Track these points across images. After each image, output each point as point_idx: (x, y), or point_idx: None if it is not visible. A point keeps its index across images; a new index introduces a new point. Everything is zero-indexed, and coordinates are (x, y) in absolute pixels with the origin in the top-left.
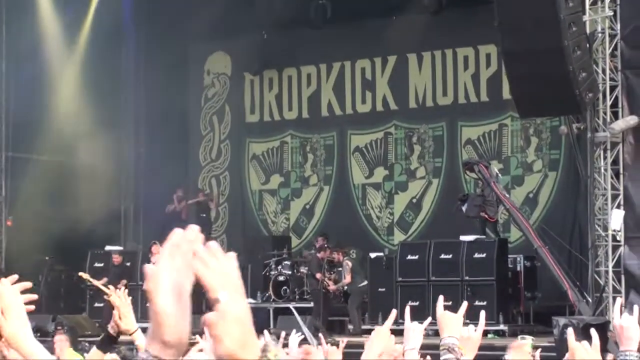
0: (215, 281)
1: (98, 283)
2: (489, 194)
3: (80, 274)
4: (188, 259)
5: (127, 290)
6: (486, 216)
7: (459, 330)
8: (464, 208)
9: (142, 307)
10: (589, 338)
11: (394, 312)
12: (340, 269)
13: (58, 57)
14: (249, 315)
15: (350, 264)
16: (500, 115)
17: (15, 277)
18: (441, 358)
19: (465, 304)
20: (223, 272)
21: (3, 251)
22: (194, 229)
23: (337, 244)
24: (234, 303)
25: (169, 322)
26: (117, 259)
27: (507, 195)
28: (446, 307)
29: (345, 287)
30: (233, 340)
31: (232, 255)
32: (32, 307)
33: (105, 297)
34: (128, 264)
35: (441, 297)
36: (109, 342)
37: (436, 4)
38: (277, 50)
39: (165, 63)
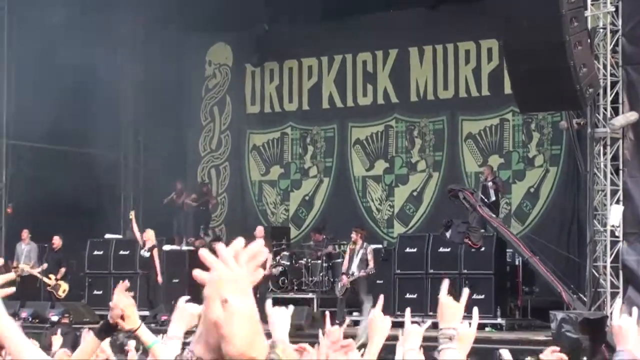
0: (222, 282)
1: (36, 272)
2: (472, 220)
3: (21, 266)
4: (248, 271)
5: (127, 284)
6: (470, 242)
7: (459, 321)
8: (447, 234)
9: (140, 295)
10: (587, 332)
11: (382, 298)
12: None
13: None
14: (257, 314)
15: (372, 250)
16: (501, 110)
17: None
18: (440, 346)
19: (466, 292)
20: (230, 273)
21: (3, 238)
22: (259, 243)
23: (335, 236)
24: (241, 303)
25: (219, 329)
26: (56, 243)
27: (494, 216)
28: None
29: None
30: (242, 340)
31: (246, 251)
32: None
33: (47, 287)
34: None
35: (446, 281)
36: (108, 330)
37: None
38: (278, 42)
39: (166, 52)
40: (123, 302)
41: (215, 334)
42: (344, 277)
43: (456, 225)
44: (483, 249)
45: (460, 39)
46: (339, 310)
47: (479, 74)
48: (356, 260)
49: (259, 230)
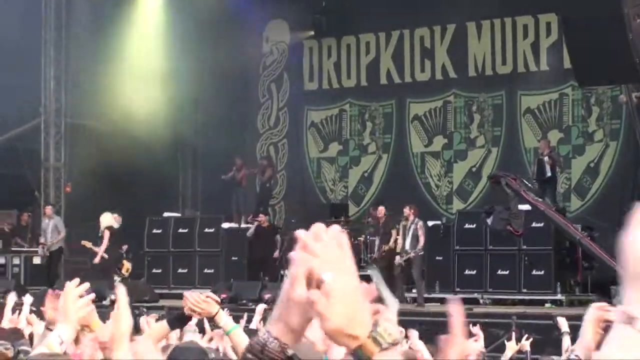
0: (318, 263)
1: (100, 250)
2: (514, 206)
3: (83, 242)
4: (327, 255)
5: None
6: (512, 229)
7: None
8: (489, 221)
9: (199, 273)
10: None
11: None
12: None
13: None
14: (358, 291)
15: (422, 225)
16: (561, 85)
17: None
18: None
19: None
20: (327, 253)
21: (63, 217)
22: (336, 229)
23: (395, 213)
24: (338, 282)
25: (313, 307)
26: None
27: (540, 200)
28: (502, 276)
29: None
30: (339, 317)
31: (340, 234)
32: None
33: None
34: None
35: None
36: (182, 321)
37: None
38: (335, 18)
39: (223, 30)
40: (193, 297)
41: (298, 313)
42: (397, 257)
43: (498, 212)
44: (542, 224)
45: (519, 13)
46: (396, 287)
47: (538, 48)
48: (408, 237)
49: (380, 210)
